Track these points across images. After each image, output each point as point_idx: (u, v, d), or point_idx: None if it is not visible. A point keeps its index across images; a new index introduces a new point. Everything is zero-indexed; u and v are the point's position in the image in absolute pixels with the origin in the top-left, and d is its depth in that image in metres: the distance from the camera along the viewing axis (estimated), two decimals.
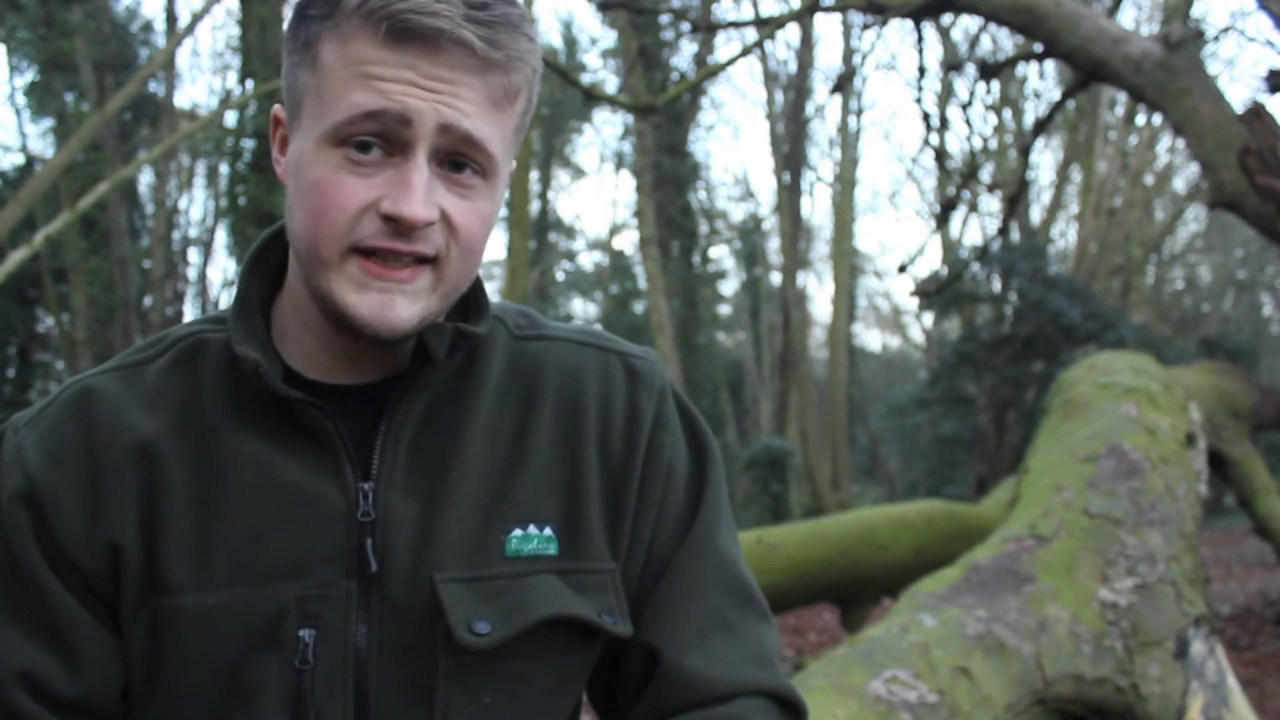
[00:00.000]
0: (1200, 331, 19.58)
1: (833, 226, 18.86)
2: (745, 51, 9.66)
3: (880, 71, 31.39)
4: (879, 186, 44.84)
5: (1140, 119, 15.96)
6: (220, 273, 19.70)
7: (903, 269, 10.20)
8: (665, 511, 1.05)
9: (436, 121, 0.90)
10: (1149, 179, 18.55)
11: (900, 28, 15.64)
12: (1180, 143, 11.38)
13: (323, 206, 0.91)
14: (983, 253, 13.04)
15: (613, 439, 1.04)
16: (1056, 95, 13.00)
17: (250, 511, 0.95)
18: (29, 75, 15.47)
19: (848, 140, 17.77)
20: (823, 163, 25.47)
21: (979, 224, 19.62)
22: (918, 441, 18.21)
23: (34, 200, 11.16)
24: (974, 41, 11.63)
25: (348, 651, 0.95)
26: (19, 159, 16.25)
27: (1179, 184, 20.70)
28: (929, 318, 22.20)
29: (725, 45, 17.92)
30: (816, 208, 37.97)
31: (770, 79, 18.27)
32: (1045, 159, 23.58)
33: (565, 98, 21.14)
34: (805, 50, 18.12)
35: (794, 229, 17.99)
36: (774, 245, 21.63)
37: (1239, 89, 23.10)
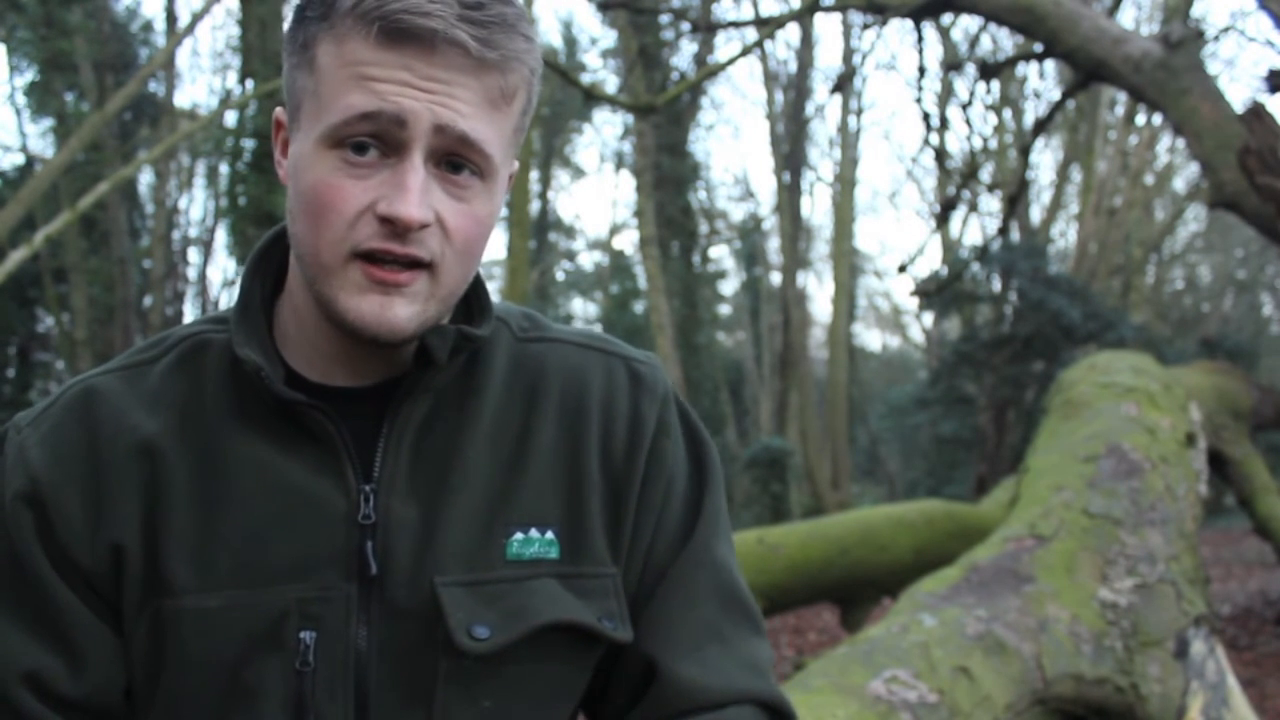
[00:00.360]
0: (1200, 331, 19.57)
1: (833, 226, 18.88)
2: (745, 51, 9.66)
3: (880, 71, 31.42)
4: (879, 186, 44.86)
5: (1140, 119, 15.97)
6: (220, 273, 19.73)
7: (903, 269, 10.21)
8: (664, 518, 1.05)
9: (432, 122, 0.89)
10: (1149, 179, 18.55)
11: (900, 28, 15.64)
12: (1180, 143, 11.39)
13: (321, 210, 0.91)
14: (983, 253, 13.04)
15: (615, 443, 1.04)
16: (1056, 95, 13.00)
17: (252, 513, 0.95)
18: (29, 75, 15.48)
19: (848, 140, 17.77)
20: (823, 163, 25.50)
21: (979, 224, 19.65)
22: (918, 441, 18.22)
23: (34, 200, 11.15)
24: (974, 41, 11.63)
25: (348, 654, 0.95)
26: (19, 159, 16.26)
27: (1179, 184, 20.72)
28: (929, 318, 22.21)
29: (725, 45, 17.92)
30: (816, 208, 38.02)
31: (770, 79, 18.28)
32: (1045, 159, 23.60)
33: (565, 98, 21.14)
34: (805, 50, 18.13)
35: (794, 229, 17.99)
36: (774, 245, 21.64)
37: (1239, 89, 23.12)
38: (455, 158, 0.92)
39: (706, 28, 11.68)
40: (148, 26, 17.68)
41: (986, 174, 16.06)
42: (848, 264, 18.36)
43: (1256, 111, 5.29)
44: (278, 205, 11.36)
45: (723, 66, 9.81)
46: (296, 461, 0.97)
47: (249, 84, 13.08)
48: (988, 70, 8.41)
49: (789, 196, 18.00)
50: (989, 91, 14.60)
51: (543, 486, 1.01)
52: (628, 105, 10.49)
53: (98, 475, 0.96)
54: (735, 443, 19.79)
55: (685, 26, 13.40)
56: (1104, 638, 3.03)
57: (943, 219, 12.17)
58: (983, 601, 2.96)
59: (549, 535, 1.00)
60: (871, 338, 34.49)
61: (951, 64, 10.91)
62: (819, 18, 16.28)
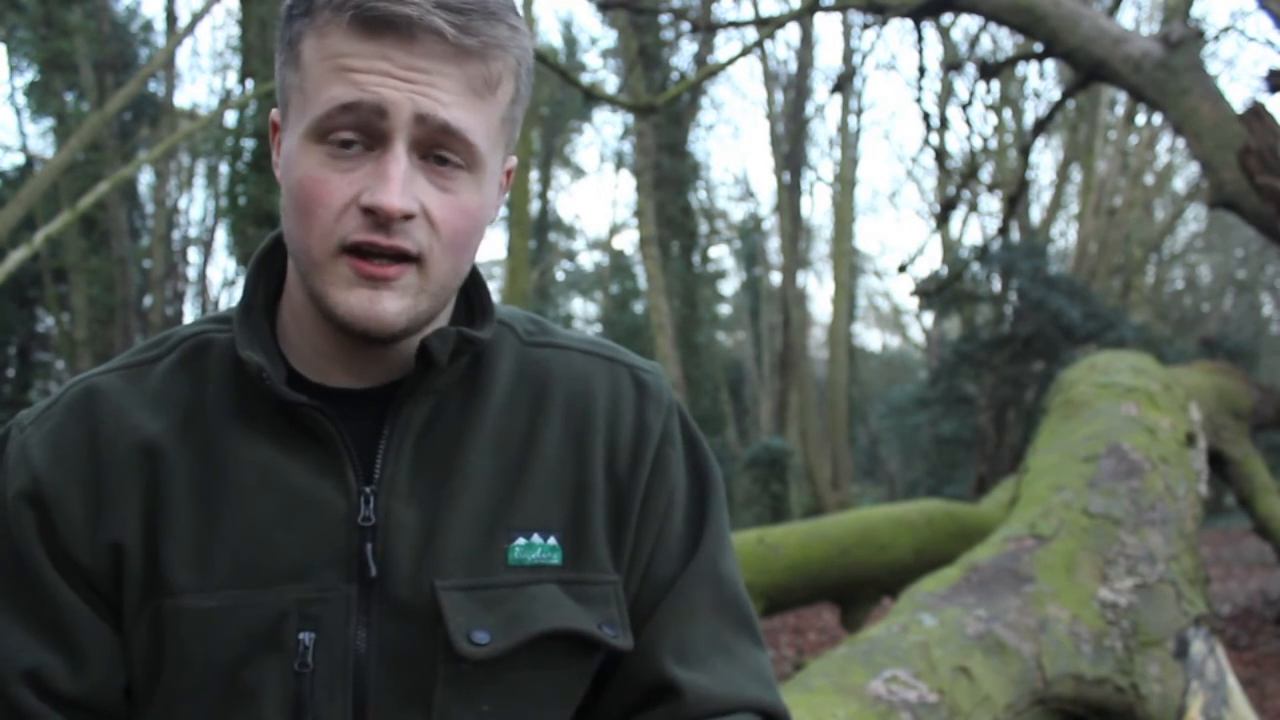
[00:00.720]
0: (1200, 331, 19.58)
1: (833, 226, 18.87)
2: (745, 51, 9.66)
3: (880, 71, 31.38)
4: (879, 186, 44.82)
5: (1140, 119, 15.97)
6: (220, 273, 19.74)
7: (903, 269, 10.22)
8: (667, 528, 1.04)
9: (412, 111, 0.89)
10: (1149, 179, 18.55)
11: (900, 28, 15.64)
12: (1180, 143, 11.38)
13: (309, 205, 0.91)
14: (983, 253, 13.04)
15: (619, 451, 1.03)
16: (1056, 95, 13.00)
17: (252, 513, 0.95)
18: (29, 75, 15.49)
19: (848, 140, 17.77)
20: (823, 163, 25.48)
21: (979, 224, 19.64)
22: (918, 441, 18.21)
23: (34, 200, 11.16)
24: (974, 41, 11.61)
25: (347, 655, 0.94)
26: (19, 159, 16.27)
27: (1179, 184, 20.72)
28: (929, 318, 22.21)
29: (725, 45, 17.90)
30: (816, 208, 38.00)
31: (770, 79, 18.27)
32: (1045, 159, 23.58)
33: (565, 98, 21.14)
34: (805, 50, 18.12)
35: (794, 229, 17.99)
36: (774, 245, 21.63)
37: (1239, 89, 23.11)
38: (440, 149, 0.91)
39: (706, 28, 11.68)
40: (148, 26, 17.69)
41: (986, 174, 16.06)
42: (848, 264, 18.36)
43: (1256, 111, 5.29)
44: (278, 205, 11.26)
45: (723, 66, 9.81)
46: (298, 462, 0.97)
47: (249, 84, 13.09)
48: (988, 70, 8.41)
49: (789, 196, 18.00)
50: (989, 91, 14.61)
51: (546, 492, 1.00)
52: (628, 105, 10.49)
53: (99, 474, 0.96)
54: (735, 443, 19.78)
55: (685, 26, 13.40)
56: (1104, 638, 3.03)
57: (943, 219, 12.17)
58: (983, 601, 2.96)
59: (551, 541, 1.00)
60: (871, 338, 34.51)
61: (951, 64, 10.91)
62: (819, 18, 16.29)
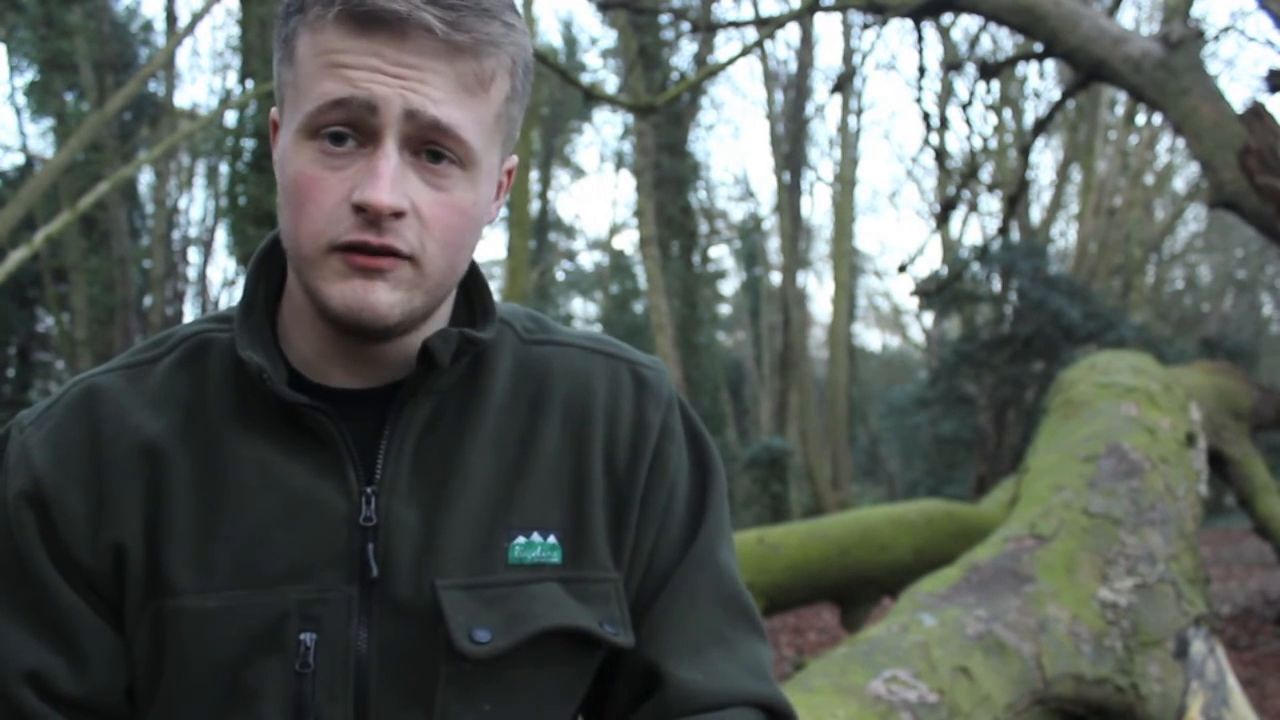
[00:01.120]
0: (1200, 331, 19.57)
1: (833, 226, 18.87)
2: (745, 51, 9.65)
3: (880, 71, 31.40)
4: (879, 186, 44.83)
5: (1140, 119, 15.97)
6: (220, 273, 19.74)
7: (903, 269, 10.20)
8: (667, 523, 1.04)
9: (403, 108, 0.89)
10: (1149, 179, 18.55)
11: (900, 28, 15.65)
12: (1180, 143, 11.39)
13: (301, 202, 0.91)
14: (983, 253, 13.04)
15: (619, 448, 1.03)
16: (1056, 95, 13.00)
17: (253, 514, 0.95)
18: (29, 75, 15.48)
19: (848, 140, 17.76)
20: (823, 163, 25.47)
21: (979, 224, 19.65)
22: (918, 441, 18.20)
23: (34, 200, 11.15)
24: (974, 41, 11.60)
25: (348, 656, 0.94)
26: (19, 159, 16.26)
27: (1179, 184, 20.72)
28: (929, 318, 22.21)
29: (725, 45, 17.91)
30: (816, 208, 38.05)
31: (770, 79, 18.27)
32: (1045, 159, 23.60)
33: (565, 98, 21.14)
34: (805, 50, 18.12)
35: (794, 229, 17.98)
36: (774, 245, 21.64)
37: (1239, 89, 23.12)
38: (433, 146, 0.91)
39: (706, 28, 11.68)
40: (148, 26, 17.68)
41: (986, 174, 16.06)
42: (848, 264, 18.36)
43: (1256, 111, 5.29)
44: (277, 205, 11.33)
45: (723, 66, 9.80)
46: (298, 463, 0.97)
47: (249, 84, 13.09)
48: (988, 70, 8.41)
49: (789, 196, 18.00)
50: (989, 91, 14.60)
51: (546, 490, 1.01)
52: (628, 105, 10.49)
53: (100, 475, 0.96)
54: (735, 443, 19.78)
55: (685, 26, 13.40)
56: (1104, 638, 3.03)
57: (943, 219, 12.17)
58: (983, 601, 2.97)
59: (551, 539, 1.00)
60: (871, 338, 34.52)
61: (951, 64, 10.91)
62: (819, 18, 16.29)
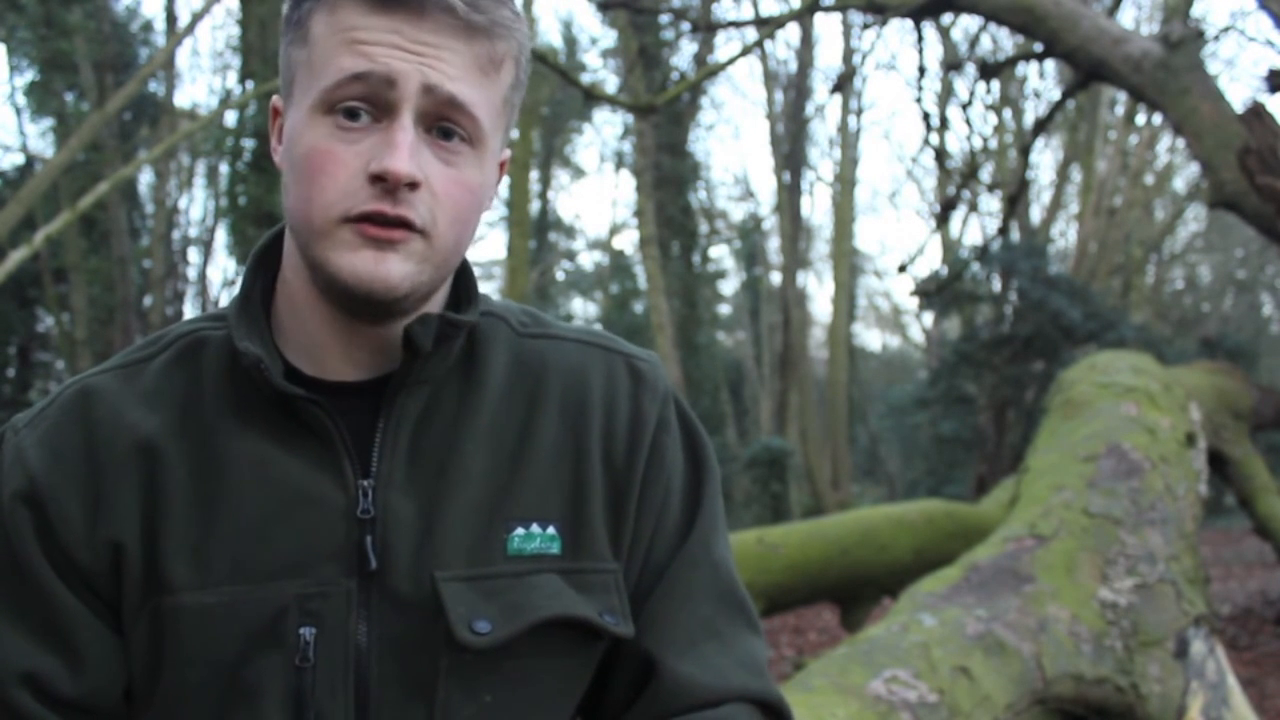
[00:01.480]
0: (1200, 331, 19.57)
1: (833, 226, 18.88)
2: (745, 51, 9.66)
3: (880, 71, 31.39)
4: (879, 186, 44.79)
5: (1140, 119, 15.97)
6: (220, 273, 19.73)
7: (903, 269, 10.21)
8: (664, 516, 1.05)
9: (420, 82, 0.91)
10: (1149, 179, 18.55)
11: (900, 28, 15.64)
12: (1180, 143, 11.38)
13: (314, 175, 0.92)
14: (983, 253, 13.03)
15: (616, 440, 1.04)
16: (1056, 95, 13.00)
17: (251, 509, 0.95)
18: (29, 75, 15.47)
19: (848, 140, 17.77)
20: (823, 163, 25.49)
21: (979, 224, 19.63)
22: (918, 441, 18.21)
23: (34, 200, 11.15)
24: (974, 41, 11.60)
25: (348, 650, 0.94)
26: (19, 159, 16.26)
27: (1179, 184, 20.72)
28: (929, 318, 22.21)
29: (725, 45, 17.92)
30: (816, 208, 38.04)
31: (770, 79, 18.28)
32: (1045, 159, 23.60)
33: (565, 98, 21.13)
34: (805, 50, 18.13)
35: (794, 229, 17.99)
36: (774, 245, 21.64)
37: (1239, 89, 23.12)
38: (445, 122, 0.93)
39: (706, 28, 11.68)
40: (148, 26, 17.68)
41: (986, 174, 16.06)
42: (848, 264, 18.36)
43: (1256, 111, 5.29)
44: (277, 205, 11.34)
45: (723, 66, 9.80)
46: (295, 457, 0.97)
47: (249, 84, 13.08)
48: (988, 70, 8.41)
49: (789, 196, 18.00)
50: (989, 91, 14.60)
51: (544, 482, 1.01)
52: (628, 105, 10.49)
53: (96, 474, 0.96)
54: (735, 443, 19.78)
55: (685, 26, 13.40)
56: (1104, 638, 3.03)
57: (943, 219, 12.17)
58: (983, 601, 2.96)
59: (550, 531, 1.00)
60: (871, 338, 34.53)
61: (951, 64, 10.91)
62: (819, 18, 16.29)
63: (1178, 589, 3.31)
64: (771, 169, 20.12)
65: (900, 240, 45.77)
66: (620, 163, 24.28)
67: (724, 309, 25.41)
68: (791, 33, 17.57)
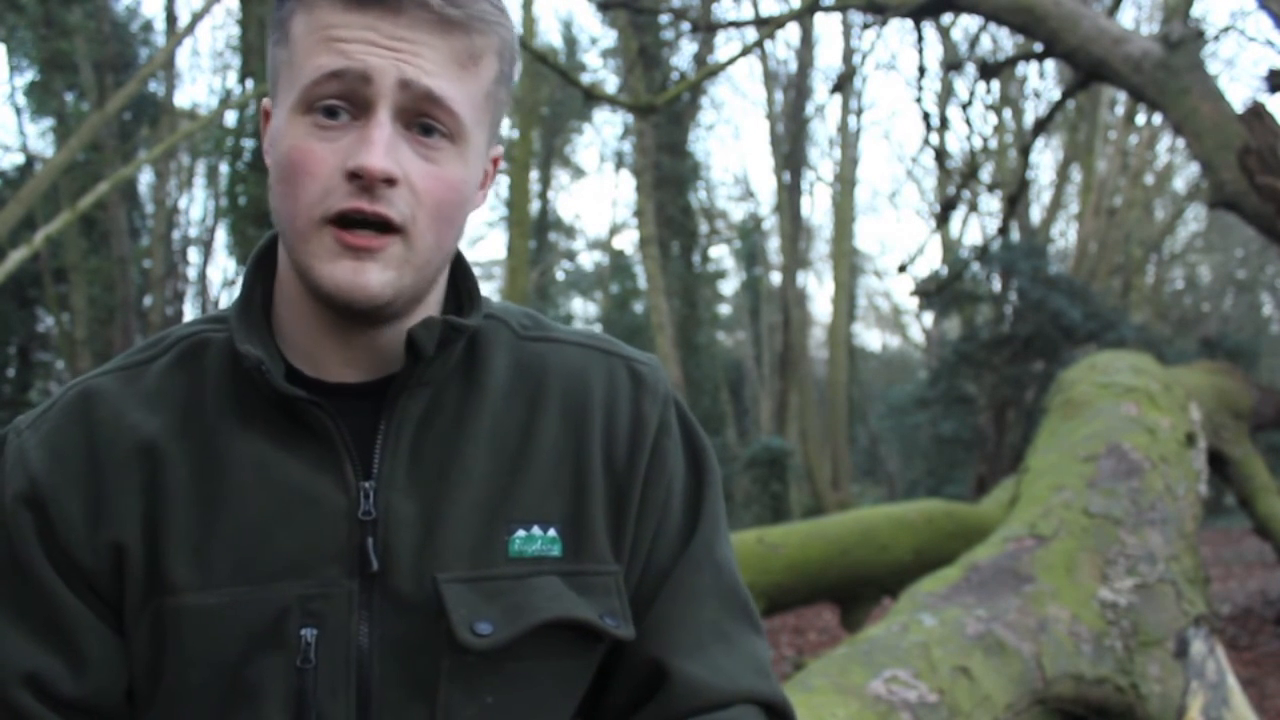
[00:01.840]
0: (1200, 331, 19.57)
1: (833, 226, 18.88)
2: (745, 51, 9.65)
3: (880, 71, 31.37)
4: (879, 186, 44.74)
5: (1140, 119, 15.97)
6: (220, 273, 19.72)
7: (903, 269, 10.21)
8: (666, 518, 1.05)
9: (396, 78, 0.91)
10: (1149, 179, 18.56)
11: (900, 27, 15.65)
12: (1180, 143, 11.39)
13: (294, 175, 0.92)
14: (983, 252, 13.03)
15: (617, 443, 1.04)
16: (1056, 95, 13.00)
17: (252, 510, 0.95)
18: (29, 75, 15.47)
19: (848, 140, 17.77)
20: (823, 163, 25.46)
21: (979, 224, 19.65)
22: (918, 441, 18.20)
23: (34, 200, 11.15)
24: (974, 41, 11.59)
25: (350, 651, 0.95)
26: (19, 159, 16.25)
27: (1179, 184, 20.73)
28: (929, 318, 22.22)
29: (725, 45, 17.91)
30: (816, 208, 38.03)
31: (770, 79, 18.28)
32: (1045, 159, 23.58)
33: (565, 98, 21.13)
34: (805, 50, 18.13)
35: (794, 229, 17.99)
36: (774, 245, 21.64)
37: (1239, 89, 23.13)
38: (425, 118, 0.93)
39: (706, 28, 11.68)
40: (148, 26, 17.67)
41: (986, 174, 16.06)
42: (848, 264, 18.36)
43: (1256, 111, 5.30)
44: None
45: (723, 66, 9.80)
46: (296, 458, 0.97)
47: (249, 84, 13.08)
48: (988, 70, 8.41)
49: (789, 196, 18.00)
50: (989, 91, 14.60)
51: (545, 484, 1.01)
52: (628, 105, 10.49)
53: (98, 475, 0.96)
54: (735, 443, 19.77)
55: (685, 26, 13.40)
56: (1104, 638, 3.03)
57: (943, 219, 12.16)
58: (983, 601, 2.96)
59: (551, 533, 1.00)
60: (871, 338, 34.51)
61: (951, 64, 10.90)
62: (819, 18, 16.29)
63: (1178, 589, 3.31)
64: (771, 169, 20.12)
65: (900, 240, 45.74)
66: (620, 163, 24.28)
67: (724, 309, 25.41)
68: (791, 33, 17.59)
